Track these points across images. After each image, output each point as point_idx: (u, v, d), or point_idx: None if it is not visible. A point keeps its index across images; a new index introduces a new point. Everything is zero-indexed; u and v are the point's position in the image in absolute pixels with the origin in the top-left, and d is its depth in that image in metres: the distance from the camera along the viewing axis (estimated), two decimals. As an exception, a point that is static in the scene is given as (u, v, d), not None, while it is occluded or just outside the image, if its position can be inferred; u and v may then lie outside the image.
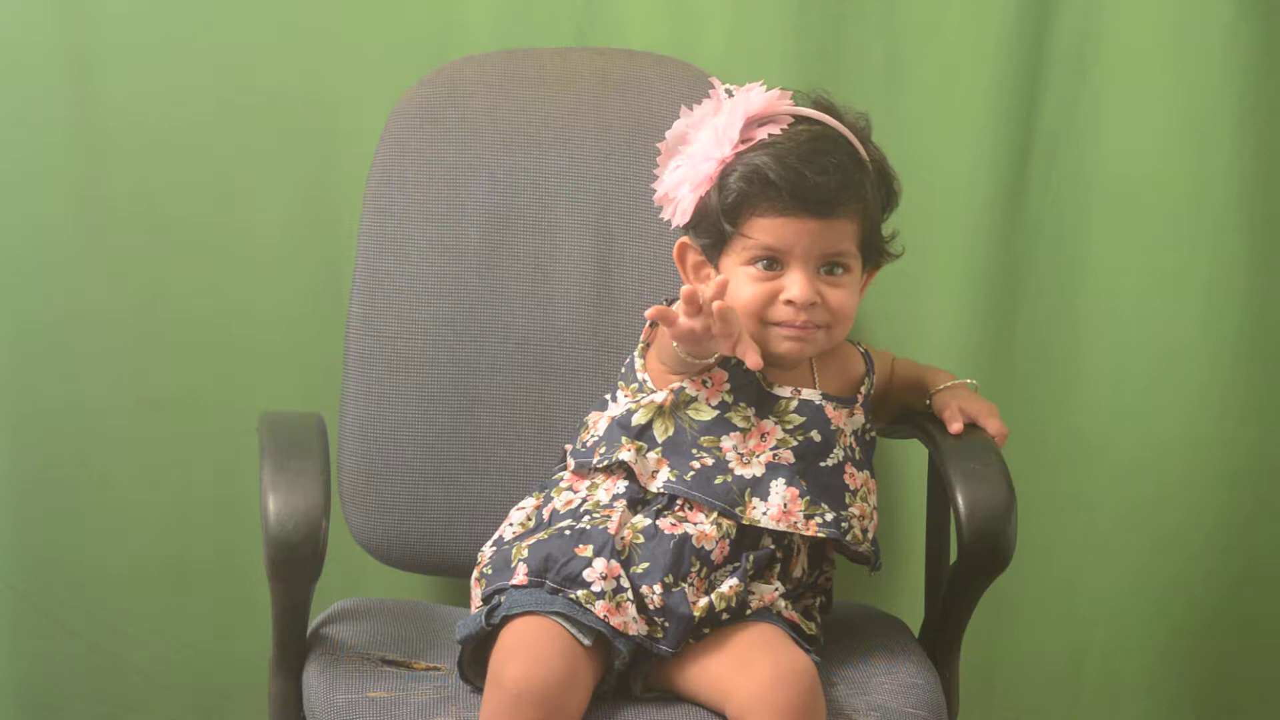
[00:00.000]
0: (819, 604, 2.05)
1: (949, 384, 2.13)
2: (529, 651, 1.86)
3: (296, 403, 2.26)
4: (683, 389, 2.00)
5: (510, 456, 2.20)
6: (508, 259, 2.23)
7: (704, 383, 2.00)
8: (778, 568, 1.99)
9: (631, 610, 1.91)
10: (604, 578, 1.91)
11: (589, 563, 1.92)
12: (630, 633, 1.90)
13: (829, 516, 1.99)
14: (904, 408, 2.16)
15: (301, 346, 2.38)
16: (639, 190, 2.19)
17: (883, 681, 1.96)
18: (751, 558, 1.96)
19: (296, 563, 1.87)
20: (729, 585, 1.94)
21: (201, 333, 2.37)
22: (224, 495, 2.38)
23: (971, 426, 2.07)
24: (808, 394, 2.02)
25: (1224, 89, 2.39)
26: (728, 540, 1.97)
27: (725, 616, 1.94)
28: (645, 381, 2.03)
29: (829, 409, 2.02)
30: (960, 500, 1.96)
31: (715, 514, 1.97)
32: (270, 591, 1.92)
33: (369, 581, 2.35)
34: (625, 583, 1.92)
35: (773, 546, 1.99)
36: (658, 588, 1.92)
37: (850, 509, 2.00)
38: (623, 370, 2.07)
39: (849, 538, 2.00)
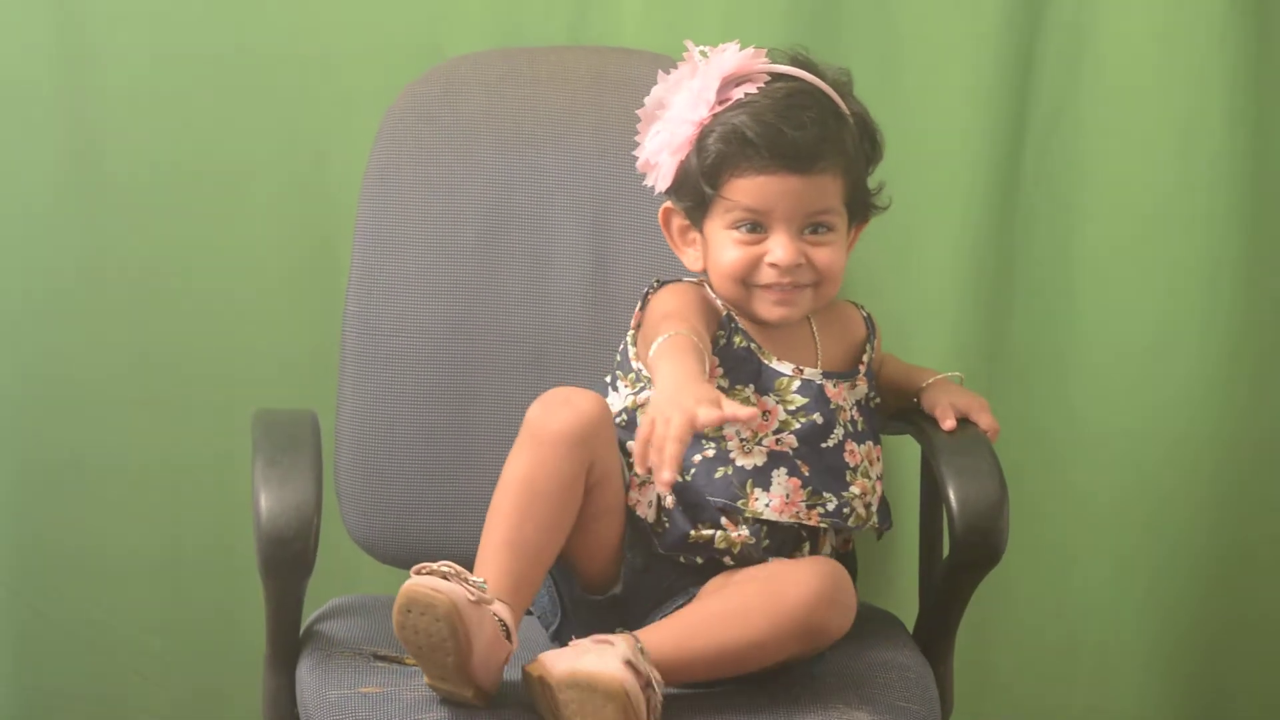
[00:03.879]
0: None
1: (935, 379, 2.13)
2: (559, 398, 1.90)
3: (293, 402, 2.25)
4: None
5: (507, 454, 2.20)
6: (504, 257, 2.23)
7: None
8: (805, 548, 2.00)
9: (651, 495, 1.95)
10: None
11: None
12: (639, 513, 1.94)
13: (830, 506, 1.99)
14: (892, 407, 2.15)
15: (298, 345, 2.38)
16: (635, 188, 2.19)
17: (877, 676, 1.96)
18: (765, 528, 1.97)
19: (289, 559, 1.88)
20: (738, 533, 1.96)
21: (197, 332, 2.38)
22: (219, 494, 2.39)
23: (963, 422, 2.07)
24: (809, 374, 2.03)
25: (1216, 83, 2.39)
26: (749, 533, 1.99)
27: (729, 562, 1.96)
28: (640, 371, 2.04)
29: (829, 387, 2.03)
30: (952, 496, 1.97)
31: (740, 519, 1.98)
32: (263, 588, 1.92)
33: (366, 579, 2.35)
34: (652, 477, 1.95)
35: (795, 524, 2.00)
36: (680, 508, 1.96)
37: (851, 488, 2.01)
38: (618, 358, 2.07)
39: (851, 522, 2.00)
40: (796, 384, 2.02)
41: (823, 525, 1.99)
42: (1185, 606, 2.49)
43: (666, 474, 1.73)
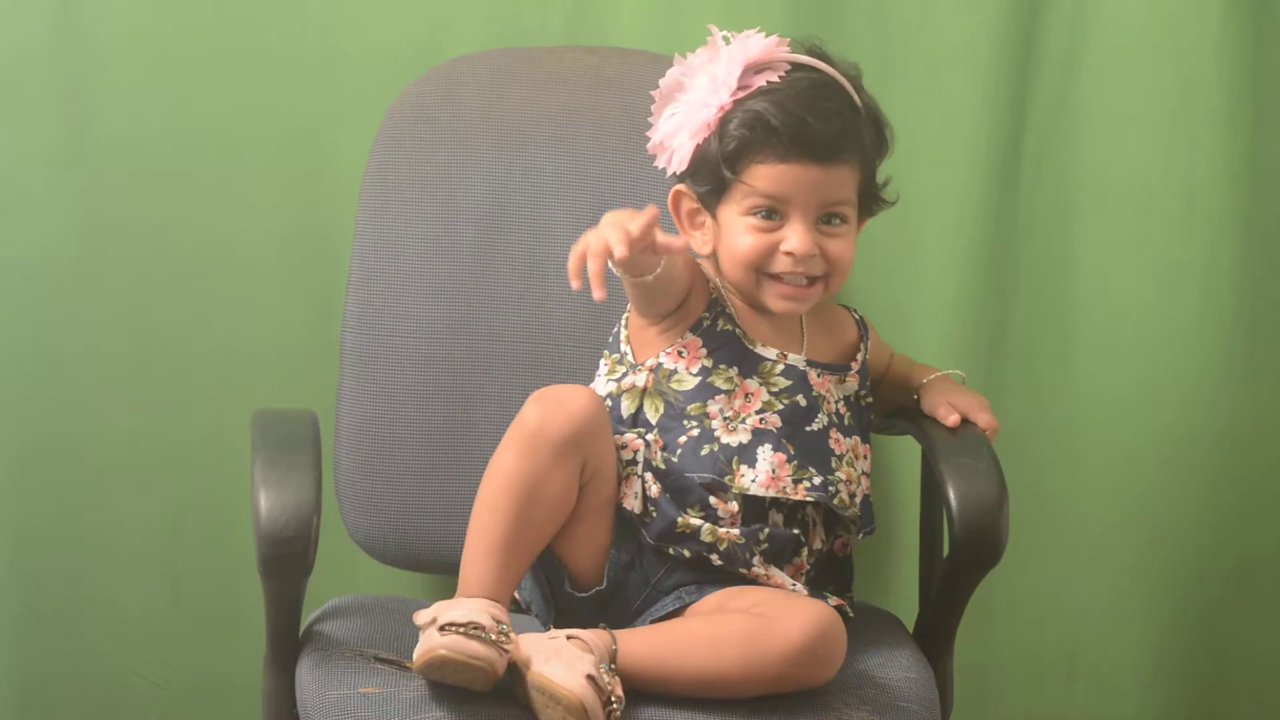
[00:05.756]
0: (843, 593, 2.06)
1: (934, 376, 2.13)
2: (554, 398, 1.91)
3: (292, 401, 2.25)
4: (660, 364, 2.02)
5: (505, 455, 2.20)
6: (503, 257, 2.23)
7: (680, 353, 2.02)
8: (804, 552, 2.01)
9: (637, 486, 1.95)
10: (627, 448, 1.97)
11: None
12: (625, 505, 1.95)
13: (816, 480, 2.00)
14: (893, 404, 2.16)
15: (297, 344, 2.38)
16: (634, 188, 2.20)
17: (875, 676, 1.96)
18: (766, 531, 1.97)
19: (287, 559, 1.87)
20: (728, 531, 1.96)
21: (196, 331, 2.38)
22: (218, 494, 2.38)
23: (963, 420, 2.07)
24: (793, 359, 2.04)
25: (1214, 84, 2.40)
26: (739, 515, 1.98)
27: (716, 560, 1.95)
28: (626, 354, 2.05)
29: (812, 375, 2.04)
30: (952, 495, 1.96)
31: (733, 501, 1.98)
32: (262, 588, 1.92)
33: (365, 580, 2.36)
34: (642, 457, 1.97)
35: (796, 531, 2.00)
36: (665, 495, 1.96)
37: (836, 473, 2.01)
38: (610, 339, 2.08)
39: (835, 502, 2.01)
40: (780, 368, 2.03)
41: (808, 499, 1.99)
42: (1187, 614, 2.49)
43: (596, 292, 1.82)
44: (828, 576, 2.06)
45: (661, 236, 1.86)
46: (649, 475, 1.98)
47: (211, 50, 2.34)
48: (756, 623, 1.88)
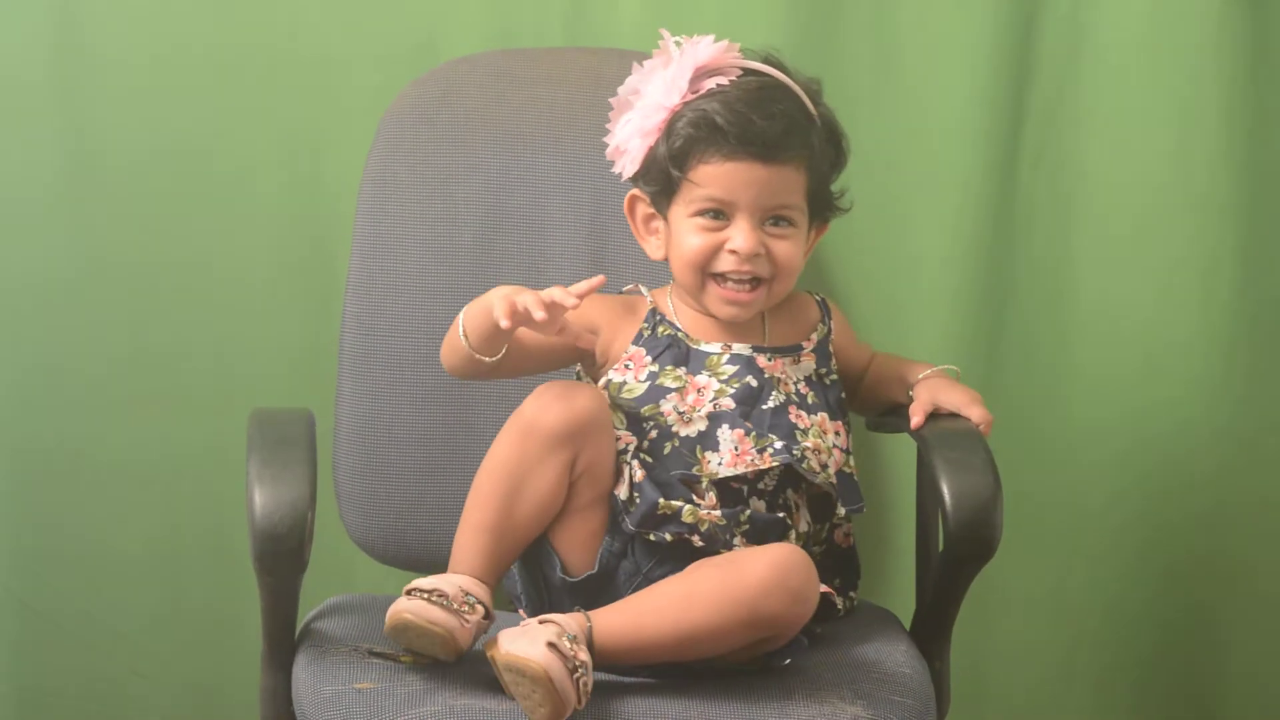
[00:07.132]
0: (848, 589, 2.07)
1: (928, 373, 2.13)
2: (555, 392, 1.93)
3: (291, 401, 2.25)
4: (610, 380, 2.04)
5: (504, 455, 2.21)
6: (501, 258, 2.24)
7: (626, 366, 2.04)
8: (791, 535, 2.01)
9: (626, 473, 1.96)
10: (620, 440, 1.99)
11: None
12: (616, 493, 1.97)
13: (779, 444, 2.00)
14: (888, 402, 2.16)
15: (296, 345, 2.39)
16: (631, 187, 2.20)
17: (872, 671, 1.96)
18: (748, 513, 1.98)
19: (282, 555, 1.88)
20: (709, 512, 1.97)
21: (194, 331, 2.38)
22: (216, 492, 2.39)
23: (956, 416, 2.06)
24: (738, 348, 2.05)
25: (1213, 80, 2.40)
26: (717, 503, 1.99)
27: (698, 542, 1.96)
28: (584, 378, 2.08)
29: (761, 359, 2.05)
30: (945, 490, 1.96)
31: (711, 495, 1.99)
32: (258, 585, 1.92)
33: (363, 579, 2.36)
34: (632, 447, 1.98)
35: (781, 514, 2.00)
36: (650, 481, 1.97)
37: (803, 443, 2.02)
38: (574, 376, 2.11)
39: (805, 466, 2.01)
40: (726, 358, 2.05)
41: (775, 463, 1.99)
42: (1186, 610, 2.48)
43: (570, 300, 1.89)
44: (834, 571, 2.07)
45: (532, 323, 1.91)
46: (635, 462, 1.99)
47: (209, 55, 2.35)
48: (724, 568, 1.90)
